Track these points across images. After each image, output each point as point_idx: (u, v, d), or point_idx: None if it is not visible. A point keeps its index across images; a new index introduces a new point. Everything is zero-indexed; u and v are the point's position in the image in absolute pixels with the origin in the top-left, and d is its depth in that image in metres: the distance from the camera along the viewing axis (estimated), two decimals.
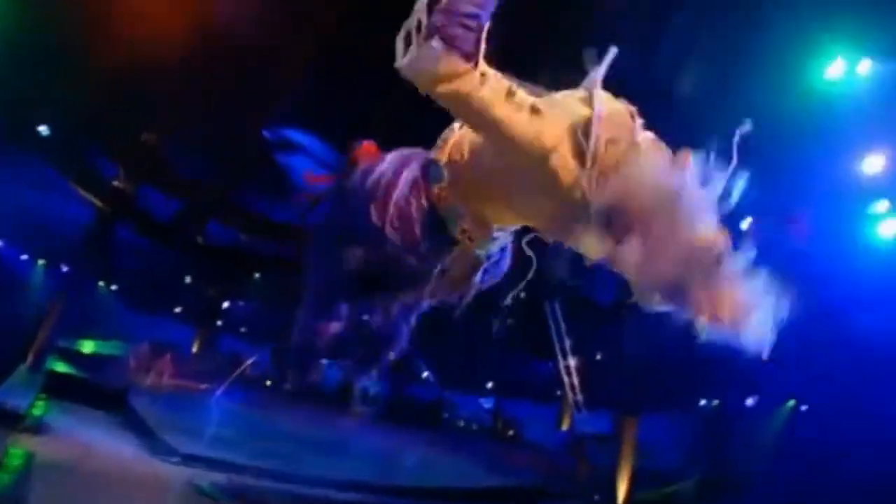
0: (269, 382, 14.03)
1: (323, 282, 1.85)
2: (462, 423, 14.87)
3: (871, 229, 6.41)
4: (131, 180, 9.74)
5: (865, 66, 5.85)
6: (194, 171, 9.83)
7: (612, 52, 1.51)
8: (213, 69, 6.73)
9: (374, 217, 1.72)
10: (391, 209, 1.66)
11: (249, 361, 12.75)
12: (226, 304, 13.63)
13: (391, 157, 1.75)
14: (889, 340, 6.29)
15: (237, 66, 6.69)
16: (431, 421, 13.60)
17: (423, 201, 1.65)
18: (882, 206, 6.30)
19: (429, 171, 1.65)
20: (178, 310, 13.30)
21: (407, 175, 1.68)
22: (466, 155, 1.62)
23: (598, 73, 1.51)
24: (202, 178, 9.95)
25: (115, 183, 9.74)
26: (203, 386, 10.30)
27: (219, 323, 13.72)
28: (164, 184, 9.77)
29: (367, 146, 1.96)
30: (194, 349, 13.09)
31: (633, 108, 1.53)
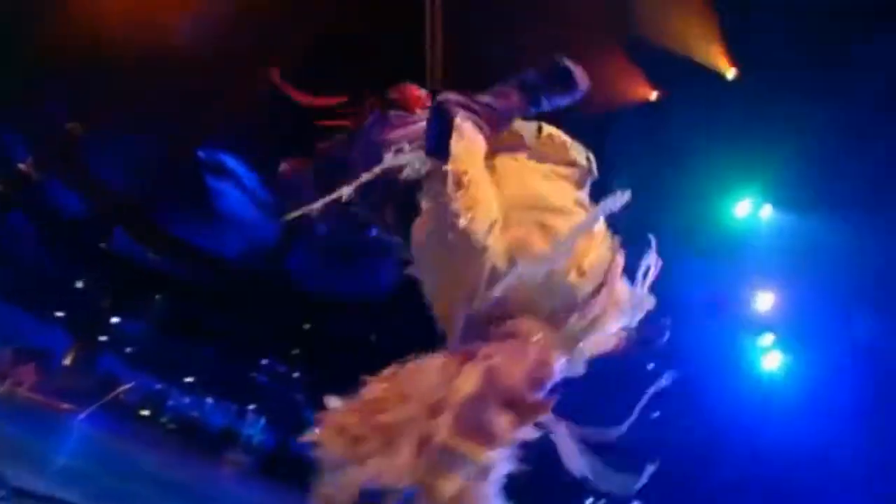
0: (145, 413, 12.84)
1: (326, 182, 1.82)
2: None
3: (756, 360, 6.99)
4: (42, 167, 9.05)
5: (767, 211, 6.61)
6: (115, 174, 9.27)
7: (624, 196, 1.41)
8: (160, 76, 6.53)
9: (363, 166, 1.69)
10: (381, 168, 1.62)
11: (126, 386, 11.68)
12: (116, 319, 12.57)
13: (419, 130, 1.70)
14: (767, 463, 6.70)
15: (185, 79, 6.52)
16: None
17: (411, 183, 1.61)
18: (768, 339, 6.92)
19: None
20: (60, 314, 12.10)
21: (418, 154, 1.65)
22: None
23: (592, 218, 1.42)
24: (121, 184, 9.40)
25: (23, 166, 9.01)
26: (66, 406, 9.25)
27: (103, 338, 12.58)
28: (78, 180, 9.14)
29: (413, 90, 1.93)
30: (67, 361, 11.87)
31: (615, 273, 1.45)
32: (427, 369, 1.34)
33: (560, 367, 1.39)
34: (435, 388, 1.29)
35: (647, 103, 6.37)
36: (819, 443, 6.37)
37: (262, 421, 13.84)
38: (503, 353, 1.32)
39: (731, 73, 6.12)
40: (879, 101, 5.55)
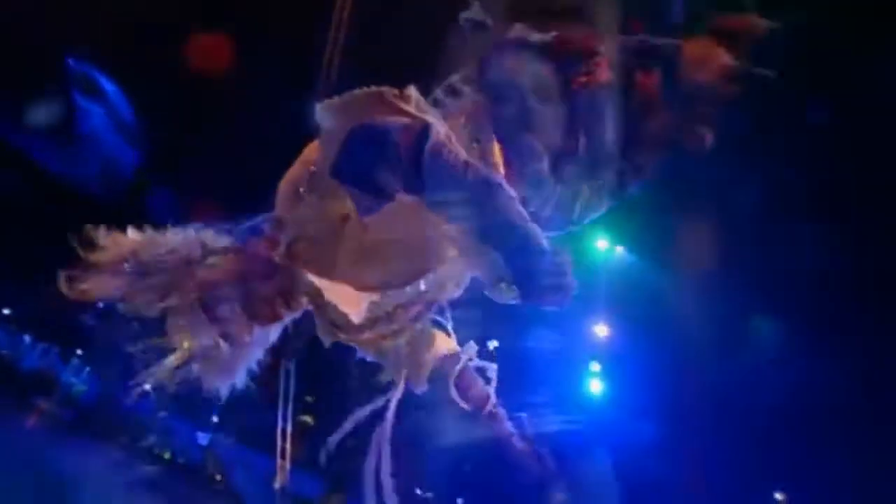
0: None
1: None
2: (168, 455, 13.29)
3: (584, 384, 7.71)
4: None
5: (620, 251, 7.35)
6: None
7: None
8: None
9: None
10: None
11: None
12: None
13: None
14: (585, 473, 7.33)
15: None
16: (131, 443, 11.88)
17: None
18: (596, 366, 7.66)
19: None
20: None
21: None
22: None
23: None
24: None
25: None
26: None
27: None
28: None
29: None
30: None
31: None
32: (199, 239, 1.61)
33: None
34: (197, 255, 1.55)
35: None
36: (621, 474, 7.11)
37: (87, 370, 12.58)
38: (254, 265, 1.57)
39: None
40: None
